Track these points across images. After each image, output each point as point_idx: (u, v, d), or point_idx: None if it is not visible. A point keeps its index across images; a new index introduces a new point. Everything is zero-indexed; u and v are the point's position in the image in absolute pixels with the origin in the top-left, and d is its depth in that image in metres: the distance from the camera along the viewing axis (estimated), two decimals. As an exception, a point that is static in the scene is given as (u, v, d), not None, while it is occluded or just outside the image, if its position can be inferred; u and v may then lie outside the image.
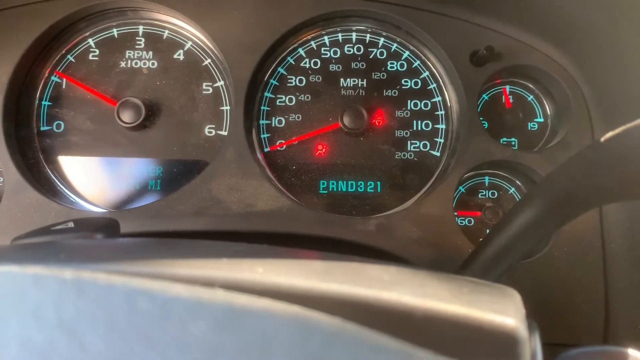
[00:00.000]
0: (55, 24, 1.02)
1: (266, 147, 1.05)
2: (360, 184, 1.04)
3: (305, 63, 1.08)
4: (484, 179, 1.06)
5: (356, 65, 1.08)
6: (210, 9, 1.03)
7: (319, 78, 1.07)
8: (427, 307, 0.37)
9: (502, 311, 0.38)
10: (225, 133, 1.03)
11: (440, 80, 1.08)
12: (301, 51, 1.08)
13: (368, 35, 1.10)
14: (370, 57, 1.09)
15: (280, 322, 0.32)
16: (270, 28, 1.03)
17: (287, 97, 1.06)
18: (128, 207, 1.00)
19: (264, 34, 1.03)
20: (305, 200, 1.02)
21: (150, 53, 1.06)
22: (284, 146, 1.05)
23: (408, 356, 0.32)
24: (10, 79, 0.98)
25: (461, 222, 1.04)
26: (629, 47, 0.87)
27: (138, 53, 1.06)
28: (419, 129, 1.06)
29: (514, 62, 1.04)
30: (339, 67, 1.08)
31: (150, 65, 1.06)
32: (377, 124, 1.05)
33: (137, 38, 1.07)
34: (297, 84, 1.07)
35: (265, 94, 1.06)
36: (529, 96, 1.10)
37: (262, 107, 1.06)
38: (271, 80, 1.07)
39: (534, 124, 1.09)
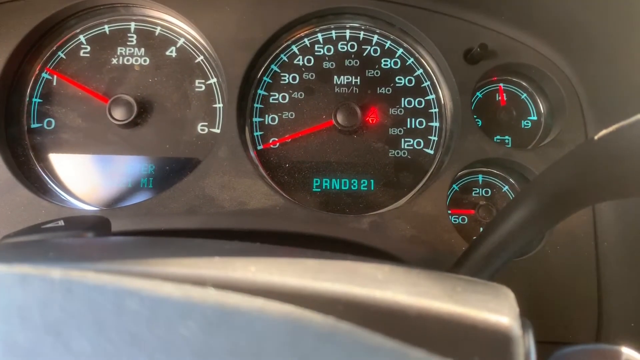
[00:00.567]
0: (46, 20, 1.01)
1: (259, 145, 1.04)
2: (354, 182, 1.04)
3: (299, 60, 1.07)
4: (478, 177, 1.06)
5: (350, 62, 1.08)
6: (203, 5, 1.02)
7: (312, 75, 1.07)
8: (420, 306, 0.37)
9: (496, 309, 0.38)
10: (218, 131, 1.02)
11: (434, 78, 1.07)
12: (294, 48, 1.08)
13: (362, 32, 1.09)
14: (364, 54, 1.08)
15: (272, 321, 0.32)
16: (264, 25, 1.02)
17: (281, 95, 1.06)
18: (119, 205, 0.99)
19: (257, 31, 1.02)
20: (299, 199, 1.02)
21: (142, 50, 1.05)
22: (277, 144, 1.04)
23: (402, 355, 0.32)
24: (0, 75, 0.97)
25: (455, 220, 1.04)
26: (622, 45, 0.87)
27: (130, 50, 1.05)
28: (413, 126, 1.06)
29: (507, 60, 1.04)
30: (332, 65, 1.07)
31: (142, 62, 1.05)
32: (370, 121, 1.05)
33: (128, 34, 1.06)
34: (291, 81, 1.06)
35: (259, 91, 1.06)
36: (523, 94, 1.10)
37: (255, 105, 1.05)
38: (264, 78, 1.06)
39: (527, 122, 1.10)
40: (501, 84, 1.10)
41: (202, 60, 1.05)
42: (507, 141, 1.08)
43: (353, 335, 0.32)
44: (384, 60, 1.08)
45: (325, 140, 1.05)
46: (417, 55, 1.08)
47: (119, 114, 0.99)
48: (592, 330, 0.92)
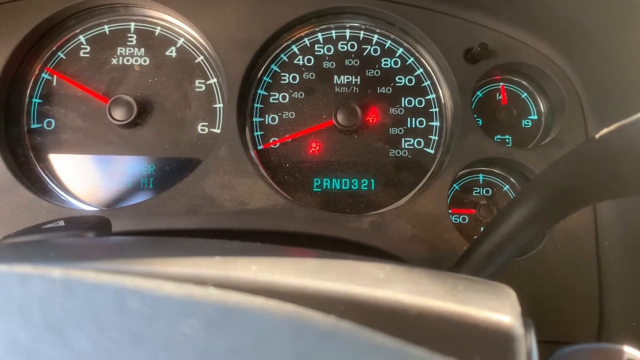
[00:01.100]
0: (46, 20, 1.01)
1: (259, 145, 1.04)
2: (354, 181, 1.03)
3: (299, 60, 1.07)
4: (478, 177, 1.06)
5: (350, 62, 1.08)
6: (203, 5, 1.02)
7: (312, 75, 1.07)
8: (422, 305, 0.37)
9: (498, 308, 0.38)
10: (218, 131, 1.02)
11: (435, 78, 1.07)
12: (294, 48, 1.08)
13: (362, 32, 1.09)
14: (364, 54, 1.08)
15: (274, 320, 0.32)
16: (264, 25, 1.02)
17: (281, 95, 1.06)
18: (120, 205, 0.99)
19: (257, 31, 1.02)
20: (299, 198, 1.01)
21: (142, 50, 1.05)
22: (278, 144, 1.04)
23: (403, 355, 0.32)
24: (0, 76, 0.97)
25: (455, 220, 1.04)
26: (623, 44, 0.87)
27: (130, 50, 1.05)
28: (413, 126, 1.06)
29: (508, 59, 1.04)
30: (332, 64, 1.07)
31: (142, 62, 1.05)
32: (371, 121, 1.05)
33: (128, 35, 1.06)
34: (291, 81, 1.06)
35: (259, 91, 1.06)
36: (523, 93, 1.10)
37: (255, 105, 1.05)
38: (264, 78, 1.06)
39: (527, 122, 1.09)
40: (503, 84, 1.10)
41: (202, 60, 1.05)
42: (507, 140, 1.08)
43: (354, 334, 0.32)
44: (384, 60, 1.08)
45: (326, 140, 1.05)
46: (417, 54, 1.08)
47: (119, 114, 0.99)
48: (593, 329, 0.92)
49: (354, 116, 1.01)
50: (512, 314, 0.37)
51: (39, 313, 0.31)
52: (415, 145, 1.05)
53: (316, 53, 1.08)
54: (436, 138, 1.05)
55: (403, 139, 1.05)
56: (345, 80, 1.06)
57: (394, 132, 1.05)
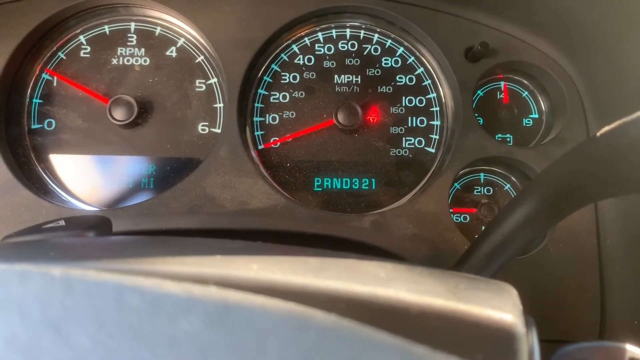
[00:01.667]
0: (46, 21, 1.01)
1: (260, 145, 1.04)
2: (355, 181, 1.03)
3: (299, 60, 1.07)
4: (479, 176, 1.06)
5: (350, 61, 1.07)
6: (203, 5, 1.02)
7: (312, 75, 1.07)
8: (423, 304, 0.37)
9: (500, 307, 0.38)
10: (219, 130, 1.02)
11: (435, 77, 1.07)
12: (295, 48, 1.08)
13: (362, 31, 1.09)
14: (365, 53, 1.08)
15: (275, 319, 0.32)
16: (264, 24, 1.02)
17: (281, 94, 1.06)
18: (120, 205, 0.99)
19: (257, 30, 1.02)
20: (300, 198, 1.01)
21: (142, 50, 1.05)
22: (278, 143, 1.04)
23: (405, 353, 0.32)
24: (0, 76, 0.97)
25: (456, 219, 1.04)
26: (624, 43, 0.87)
27: (130, 50, 1.05)
28: (414, 125, 1.06)
29: (509, 58, 1.04)
30: (332, 64, 1.07)
31: (143, 62, 1.05)
32: (371, 120, 1.05)
33: (128, 35, 1.06)
34: (291, 80, 1.06)
35: (259, 90, 1.06)
36: (524, 92, 1.10)
37: (256, 104, 1.05)
38: (265, 77, 1.06)
39: (529, 120, 1.09)
40: (505, 82, 1.10)
41: (202, 60, 1.05)
42: (508, 139, 1.08)
43: (356, 333, 0.32)
44: (385, 59, 1.08)
45: (326, 140, 1.04)
46: (417, 53, 1.08)
47: (119, 114, 0.99)
48: (595, 327, 0.92)
49: (354, 115, 1.01)
50: (514, 313, 0.37)
51: (39, 311, 0.31)
52: (416, 145, 1.05)
53: (316, 52, 1.08)
54: (437, 137, 1.05)
55: (404, 138, 1.05)
56: (346, 79, 1.06)
57: (395, 131, 1.05)
